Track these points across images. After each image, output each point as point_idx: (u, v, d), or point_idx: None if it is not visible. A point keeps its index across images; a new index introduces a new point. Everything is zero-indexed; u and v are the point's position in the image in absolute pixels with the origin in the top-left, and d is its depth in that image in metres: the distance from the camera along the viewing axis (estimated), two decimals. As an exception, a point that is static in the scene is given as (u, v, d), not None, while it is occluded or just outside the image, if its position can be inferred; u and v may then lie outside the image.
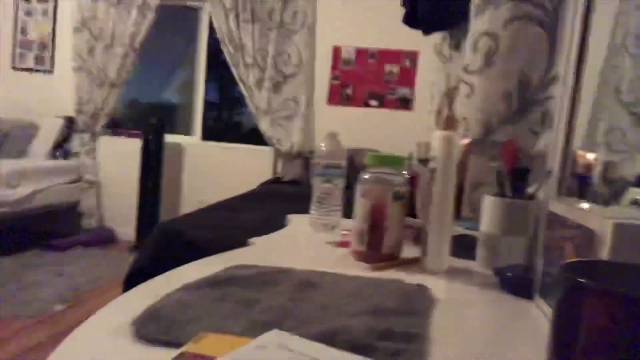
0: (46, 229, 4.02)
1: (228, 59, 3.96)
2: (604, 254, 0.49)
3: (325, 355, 0.40)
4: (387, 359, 0.45)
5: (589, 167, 1.03)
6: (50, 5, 4.34)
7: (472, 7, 1.27)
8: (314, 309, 0.56)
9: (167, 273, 0.68)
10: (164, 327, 0.48)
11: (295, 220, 1.21)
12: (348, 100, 4.05)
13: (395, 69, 3.98)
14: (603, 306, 0.35)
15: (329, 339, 0.47)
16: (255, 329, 0.49)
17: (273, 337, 0.41)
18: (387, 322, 0.53)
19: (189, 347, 0.41)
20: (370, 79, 4.01)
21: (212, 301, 0.56)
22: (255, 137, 4.16)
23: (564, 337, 0.38)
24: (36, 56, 4.39)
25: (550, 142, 0.92)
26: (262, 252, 0.87)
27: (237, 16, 3.91)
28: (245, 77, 3.97)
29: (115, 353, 0.44)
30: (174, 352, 0.44)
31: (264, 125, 3.98)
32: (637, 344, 0.34)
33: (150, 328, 0.47)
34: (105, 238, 4.12)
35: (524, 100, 1.18)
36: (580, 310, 0.36)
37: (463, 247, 0.99)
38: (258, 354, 0.38)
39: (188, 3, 4.33)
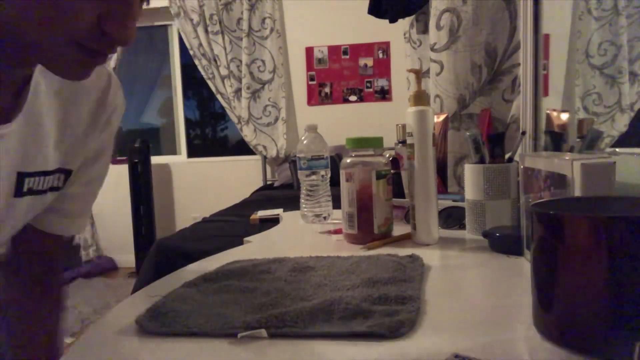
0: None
1: (203, 72, 3.97)
2: (576, 194, 0.52)
3: None
4: (383, 319, 0.47)
5: (563, 126, 1.06)
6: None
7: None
8: (310, 287, 0.58)
9: (167, 276, 0.70)
10: (167, 321, 0.49)
11: (288, 217, 1.23)
12: (327, 99, 4.08)
13: (369, 61, 4.01)
14: (569, 229, 0.37)
15: (327, 308, 0.49)
16: (255, 311, 0.51)
17: None
18: (383, 290, 0.55)
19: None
20: (346, 75, 4.04)
21: (212, 293, 0.58)
22: (244, 148, 4.17)
23: (542, 266, 0.40)
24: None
25: (521, 106, 0.95)
26: (257, 248, 0.89)
27: (205, 29, 3.92)
28: (223, 88, 3.98)
29: (122, 350, 0.46)
30: (177, 342, 0.46)
31: (248, 134, 4.00)
32: (603, 262, 0.36)
33: (154, 323, 0.49)
34: (105, 267, 4.10)
35: (493, 70, 1.21)
36: (550, 239, 0.39)
37: (454, 218, 1.02)
38: None
39: (156, 23, 4.33)
